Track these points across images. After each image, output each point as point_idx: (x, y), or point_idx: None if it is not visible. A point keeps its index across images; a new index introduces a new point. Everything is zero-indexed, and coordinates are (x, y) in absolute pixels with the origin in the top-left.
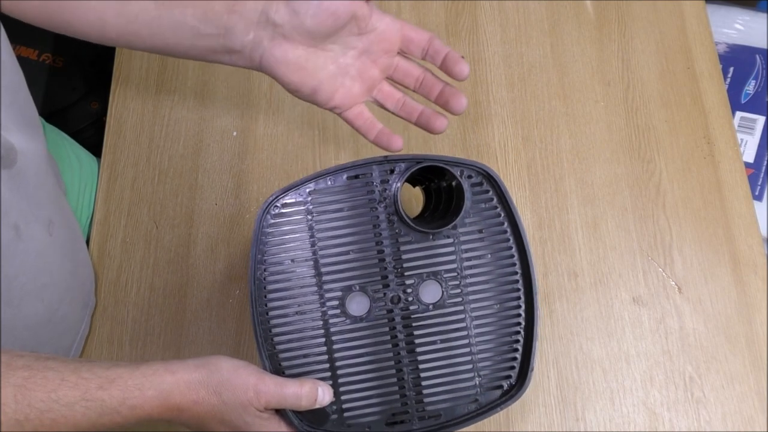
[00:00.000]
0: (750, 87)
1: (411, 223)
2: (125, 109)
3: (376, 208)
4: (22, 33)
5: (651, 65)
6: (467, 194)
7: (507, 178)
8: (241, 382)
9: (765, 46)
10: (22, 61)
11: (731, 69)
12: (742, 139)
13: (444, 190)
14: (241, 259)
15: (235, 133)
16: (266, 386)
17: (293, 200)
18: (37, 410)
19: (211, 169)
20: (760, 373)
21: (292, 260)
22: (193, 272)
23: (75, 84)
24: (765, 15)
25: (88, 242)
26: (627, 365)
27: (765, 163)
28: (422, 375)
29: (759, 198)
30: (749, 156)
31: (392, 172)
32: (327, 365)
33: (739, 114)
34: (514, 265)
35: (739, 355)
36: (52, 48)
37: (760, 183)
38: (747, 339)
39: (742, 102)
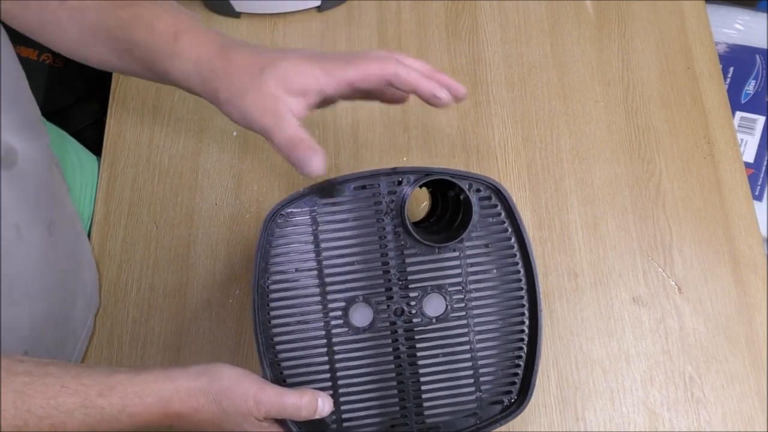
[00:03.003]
0: (750, 87)
1: (418, 237)
2: (125, 109)
3: (383, 220)
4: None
5: (651, 65)
6: (475, 208)
7: (507, 178)
8: (242, 392)
9: (765, 46)
10: (22, 61)
11: (731, 69)
12: (742, 139)
13: (451, 200)
14: (242, 259)
15: (235, 133)
16: (266, 396)
17: (299, 209)
18: (37, 416)
19: (211, 169)
20: (760, 373)
21: (296, 269)
22: (193, 272)
23: (75, 84)
24: (765, 15)
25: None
26: (627, 365)
27: (765, 163)
28: (423, 387)
29: (759, 198)
30: (749, 156)
31: (400, 183)
32: (328, 375)
33: (739, 114)
34: (519, 281)
35: (739, 355)
36: None
37: (760, 183)
38: (747, 339)
39: (742, 102)
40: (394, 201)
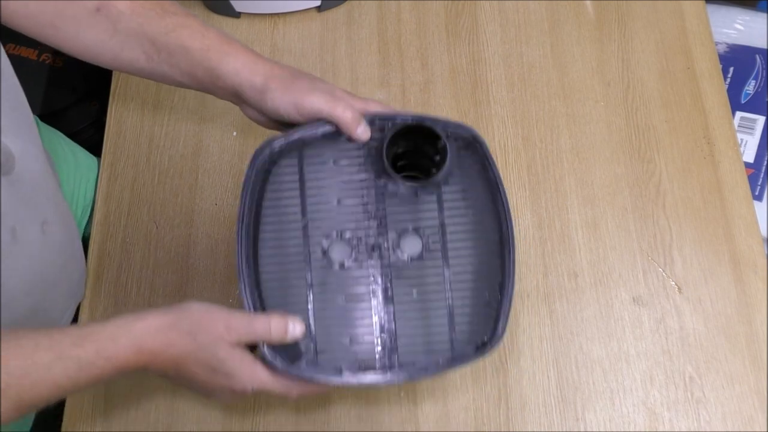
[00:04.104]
0: (750, 87)
1: (395, 175)
2: (125, 109)
3: (364, 163)
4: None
5: (651, 65)
6: (452, 152)
7: (507, 178)
8: (211, 319)
9: (765, 46)
10: (22, 61)
11: (731, 69)
12: (742, 139)
13: (429, 148)
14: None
15: (235, 133)
16: (236, 320)
17: (285, 148)
18: (15, 376)
19: (211, 169)
20: (760, 373)
21: (280, 205)
22: (193, 272)
23: (75, 84)
24: (765, 15)
25: (87, 242)
26: (627, 365)
27: (765, 163)
28: (398, 324)
29: (759, 198)
30: (749, 156)
31: (382, 130)
32: (306, 306)
33: (739, 114)
34: (494, 226)
35: (739, 355)
36: (53, 48)
37: (760, 183)
38: (747, 339)
39: (742, 102)
40: (377, 146)
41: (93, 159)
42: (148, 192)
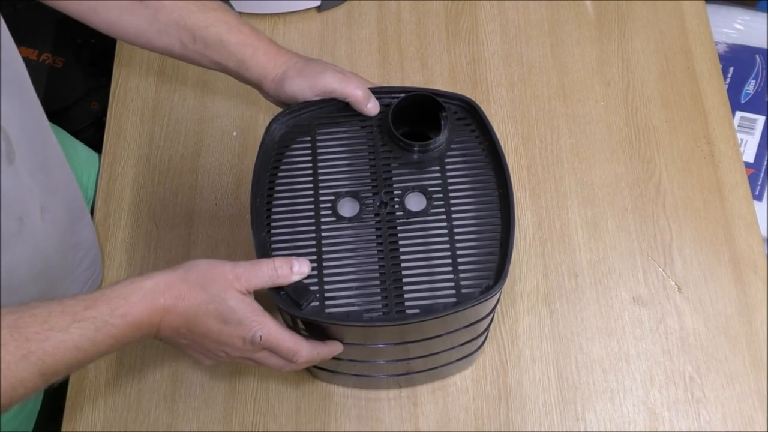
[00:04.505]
0: (750, 87)
1: (400, 138)
2: (125, 109)
3: (372, 131)
4: (22, 33)
5: (651, 65)
6: (450, 118)
7: None
8: (219, 270)
9: (765, 46)
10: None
11: (731, 69)
12: (742, 139)
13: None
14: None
15: (235, 133)
16: (242, 267)
17: (299, 122)
18: (36, 342)
19: (211, 169)
20: (760, 373)
21: (294, 169)
22: None
23: (75, 84)
24: (765, 15)
25: None
26: (627, 365)
27: (765, 163)
28: (404, 273)
29: (759, 198)
30: (749, 156)
31: (387, 106)
32: (315, 257)
33: (739, 114)
34: (494, 185)
35: (739, 355)
36: (52, 48)
37: (760, 183)
38: (747, 339)
39: (742, 102)
40: (382, 119)
41: (93, 153)
42: (148, 192)
